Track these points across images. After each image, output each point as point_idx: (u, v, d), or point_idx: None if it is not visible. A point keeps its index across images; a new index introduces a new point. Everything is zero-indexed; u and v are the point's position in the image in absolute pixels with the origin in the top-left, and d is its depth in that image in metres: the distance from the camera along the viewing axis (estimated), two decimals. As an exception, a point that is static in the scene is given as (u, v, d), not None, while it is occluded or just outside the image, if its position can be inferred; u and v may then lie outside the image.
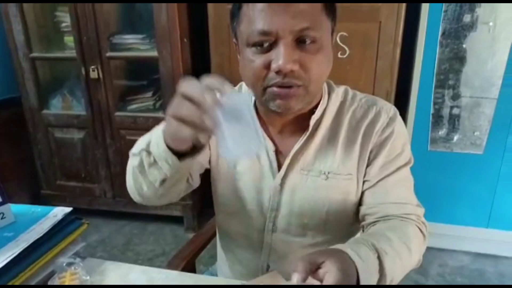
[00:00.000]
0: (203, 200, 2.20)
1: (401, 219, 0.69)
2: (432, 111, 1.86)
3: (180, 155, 0.61)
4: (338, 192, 0.74)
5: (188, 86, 0.52)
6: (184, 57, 1.98)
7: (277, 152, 0.77)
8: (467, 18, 1.68)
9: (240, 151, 0.52)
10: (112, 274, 0.70)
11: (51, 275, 0.66)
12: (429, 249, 2.00)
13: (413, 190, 0.76)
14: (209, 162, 0.83)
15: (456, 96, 1.82)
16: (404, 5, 1.65)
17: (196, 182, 0.81)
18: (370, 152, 0.74)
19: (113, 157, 2.20)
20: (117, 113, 2.13)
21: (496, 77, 1.74)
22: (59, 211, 0.75)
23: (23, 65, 2.14)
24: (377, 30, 1.71)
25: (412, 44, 1.82)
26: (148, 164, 0.65)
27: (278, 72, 0.62)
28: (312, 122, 0.73)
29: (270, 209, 0.78)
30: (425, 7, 1.71)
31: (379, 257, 0.58)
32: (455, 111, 1.84)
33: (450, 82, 1.80)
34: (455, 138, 1.88)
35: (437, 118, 1.87)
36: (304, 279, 0.49)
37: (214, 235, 1.09)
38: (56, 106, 2.26)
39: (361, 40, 1.73)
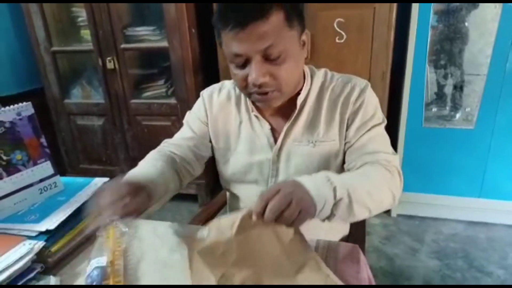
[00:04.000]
0: (214, 179, 2.38)
1: (371, 164, 0.83)
2: (425, 90, 1.98)
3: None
4: (325, 155, 0.91)
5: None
6: (193, 46, 2.13)
7: (272, 130, 0.94)
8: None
9: None
10: (144, 227, 0.88)
11: (97, 228, 0.84)
12: (424, 218, 2.18)
13: (389, 143, 0.90)
14: (212, 151, 1.02)
15: (447, 75, 1.94)
16: (396, -10, 1.76)
17: (198, 171, 1.01)
18: (348, 119, 0.89)
19: (131, 141, 2.39)
20: (133, 101, 2.30)
21: (485, 56, 1.85)
22: (98, 181, 0.93)
23: (45, 58, 2.32)
24: (371, 15, 1.83)
25: (406, 27, 1.93)
26: None
27: (253, 84, 0.79)
28: (299, 102, 0.90)
29: (270, 175, 0.95)
30: (416, -8, 1.81)
31: (328, 177, 0.70)
32: (447, 89, 1.96)
33: (442, 62, 1.92)
34: (448, 114, 2.00)
35: (430, 96, 1.99)
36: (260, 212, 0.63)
37: (223, 204, 1.27)
38: (77, 96, 2.44)
39: (357, 25, 1.85)
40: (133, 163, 2.78)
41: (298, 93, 0.90)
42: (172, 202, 2.49)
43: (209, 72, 2.27)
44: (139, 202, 0.71)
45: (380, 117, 0.90)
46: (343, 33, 1.88)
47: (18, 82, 2.44)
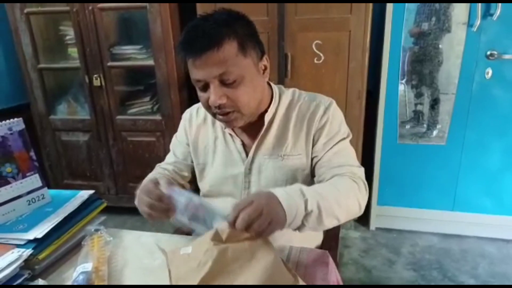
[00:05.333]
0: (197, 193, 2.42)
1: (339, 176, 0.90)
2: (399, 108, 2.09)
3: None
4: (293, 168, 0.98)
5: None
6: (178, 64, 2.20)
7: (244, 145, 1.01)
8: (425, 26, 1.92)
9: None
10: (128, 237, 0.92)
11: (83, 238, 0.88)
12: (401, 231, 2.26)
13: (354, 156, 0.98)
14: (192, 169, 1.11)
15: (419, 94, 2.06)
16: (370, 15, 1.88)
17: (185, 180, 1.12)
18: (314, 136, 0.97)
19: (116, 157, 2.42)
20: (118, 117, 2.35)
21: (453, 76, 1.98)
22: (85, 193, 0.98)
23: (31, 75, 2.36)
24: (347, 38, 1.94)
25: (380, 48, 2.05)
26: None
27: (213, 106, 0.87)
28: (267, 119, 0.97)
29: (243, 187, 1.02)
30: (389, 17, 1.94)
31: (301, 189, 0.78)
32: (419, 107, 2.08)
33: (414, 82, 2.04)
34: (421, 131, 2.12)
35: (404, 114, 2.11)
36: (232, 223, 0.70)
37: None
38: (62, 112, 2.47)
39: (334, 47, 1.97)
40: (117, 178, 2.80)
41: (266, 111, 0.98)
42: (156, 217, 2.53)
43: (193, 88, 2.33)
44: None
45: (345, 131, 0.98)
46: (321, 54, 1.98)
47: (4, 98, 2.46)
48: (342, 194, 0.84)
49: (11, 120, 0.89)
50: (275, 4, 1.94)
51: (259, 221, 0.68)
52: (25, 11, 2.23)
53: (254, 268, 0.68)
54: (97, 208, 0.96)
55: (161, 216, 0.82)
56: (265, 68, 0.93)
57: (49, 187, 0.99)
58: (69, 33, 2.31)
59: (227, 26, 0.85)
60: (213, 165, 1.05)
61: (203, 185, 1.09)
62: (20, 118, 0.91)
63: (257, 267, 0.68)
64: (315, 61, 1.99)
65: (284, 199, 0.74)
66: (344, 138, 0.97)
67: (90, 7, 2.14)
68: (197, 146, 1.07)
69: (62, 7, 2.21)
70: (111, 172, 2.47)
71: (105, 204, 0.99)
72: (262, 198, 0.73)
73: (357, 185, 0.88)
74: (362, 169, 0.95)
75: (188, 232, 1.19)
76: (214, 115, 0.92)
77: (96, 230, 0.89)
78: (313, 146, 0.97)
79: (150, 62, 2.21)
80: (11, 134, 0.88)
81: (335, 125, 0.97)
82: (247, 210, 0.69)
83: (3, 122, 0.87)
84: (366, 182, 0.92)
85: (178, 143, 1.12)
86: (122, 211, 2.51)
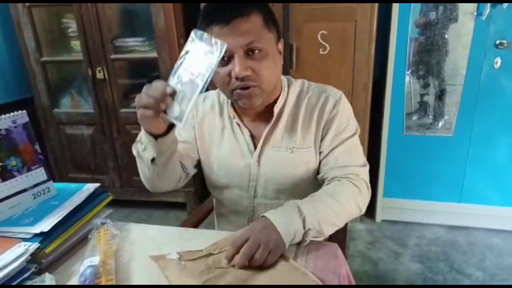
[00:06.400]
0: (203, 187, 2.42)
1: (338, 180, 0.90)
2: (405, 99, 2.07)
3: (159, 137, 0.84)
4: (301, 161, 0.96)
5: (147, 87, 0.76)
6: (182, 56, 2.18)
7: (252, 136, 0.99)
8: (431, 15, 1.89)
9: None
10: (134, 231, 0.91)
11: (89, 231, 0.87)
12: (407, 223, 2.25)
13: (361, 153, 0.97)
14: (198, 154, 1.06)
15: (426, 85, 2.03)
16: (376, 5, 1.85)
17: (191, 171, 1.06)
18: (323, 129, 0.95)
19: (120, 150, 2.42)
20: (122, 110, 2.34)
21: (461, 67, 1.95)
22: (91, 186, 0.96)
23: (35, 68, 2.35)
24: (353, 28, 1.91)
25: (387, 39, 2.02)
26: (141, 150, 0.90)
27: (237, 78, 0.84)
28: (276, 110, 0.96)
29: (251, 179, 1.00)
30: (395, 6, 1.91)
31: (298, 207, 0.78)
32: (426, 98, 2.05)
33: (421, 73, 2.02)
34: (427, 123, 2.09)
35: (410, 106, 2.08)
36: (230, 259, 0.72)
37: (211, 210, 1.31)
38: (66, 105, 2.47)
39: (339, 37, 1.94)
40: (122, 171, 2.80)
41: (275, 102, 0.96)
42: (161, 210, 2.54)
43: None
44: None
45: (353, 127, 0.96)
46: (327, 45, 1.96)
47: (8, 92, 2.46)
48: (341, 204, 0.85)
49: (15, 113, 0.87)
50: (280, -6, 1.91)
51: (258, 255, 0.71)
52: (27, 4, 2.21)
53: (268, 273, 0.70)
54: (103, 201, 0.95)
55: (155, 116, 0.76)
56: (280, 53, 0.92)
57: (54, 181, 0.98)
58: (72, 26, 2.29)
59: (253, 2, 0.86)
60: (219, 154, 1.02)
61: (209, 174, 1.06)
62: (24, 111, 0.90)
63: (272, 273, 0.70)
64: (321, 52, 1.97)
65: (281, 223, 0.75)
66: (352, 135, 0.95)
67: (92, -1, 2.12)
68: (202, 133, 1.04)
69: (64, -1, 2.19)
70: (116, 166, 2.47)
71: (111, 197, 0.98)
72: (257, 230, 0.74)
73: (358, 189, 0.88)
74: (367, 168, 0.94)
75: (195, 225, 1.18)
76: (231, 92, 0.88)
77: (103, 224, 0.88)
78: (321, 140, 0.95)
79: (154, 54, 2.19)
80: (15, 127, 0.87)
81: (344, 119, 0.95)
82: (245, 247, 0.71)
83: (7, 115, 0.86)
84: (368, 182, 0.92)
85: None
86: (128, 204, 2.52)
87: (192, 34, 0.74)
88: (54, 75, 2.46)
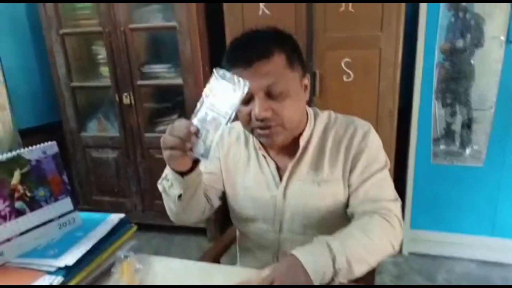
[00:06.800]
0: (223, 214, 2.40)
1: (369, 215, 0.86)
2: (432, 127, 2.01)
3: (185, 175, 0.84)
4: (329, 195, 0.93)
5: (170, 128, 0.76)
6: (206, 83, 2.21)
7: (278, 168, 0.98)
8: (458, 42, 1.85)
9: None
10: (157, 264, 0.90)
11: (112, 264, 0.87)
12: (436, 257, 2.15)
13: (391, 188, 0.93)
14: (223, 185, 1.05)
15: (454, 113, 1.98)
16: (401, 33, 1.83)
17: (215, 202, 1.05)
18: (351, 161, 0.92)
19: (143, 174, 2.44)
20: (147, 134, 2.37)
21: (491, 94, 1.89)
22: (115, 217, 0.96)
23: (64, 93, 2.43)
24: (377, 55, 1.90)
25: (412, 65, 1.99)
26: (168, 187, 0.90)
27: (257, 119, 0.84)
28: (302, 142, 0.94)
29: (277, 212, 0.97)
30: (421, 33, 1.89)
31: (328, 245, 0.74)
32: (453, 126, 1.99)
33: (448, 101, 1.96)
34: (455, 151, 2.02)
35: (438, 134, 2.02)
36: None
37: (233, 241, 1.29)
38: (93, 129, 2.53)
39: (363, 65, 1.92)
40: (144, 195, 2.82)
41: (301, 134, 0.94)
42: (181, 236, 2.52)
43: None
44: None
45: (383, 160, 0.94)
46: (351, 73, 1.94)
47: (38, 115, 2.55)
48: (373, 241, 0.80)
49: (45, 144, 0.89)
50: (304, 22, 1.92)
51: None
52: (61, 32, 2.31)
53: None
54: (127, 232, 0.95)
55: (182, 156, 0.76)
56: (306, 87, 0.92)
57: (78, 204, 0.98)
58: (101, 53, 2.38)
59: (276, 38, 0.86)
60: (244, 185, 1.01)
61: (233, 206, 1.05)
62: (54, 142, 0.91)
63: None
64: (345, 80, 1.95)
65: (310, 262, 0.72)
66: (382, 168, 0.92)
67: (121, 28, 2.19)
68: (228, 164, 1.04)
69: (95, 28, 2.28)
70: (138, 189, 2.49)
71: (135, 228, 0.97)
72: (284, 271, 0.71)
73: (390, 225, 0.84)
74: (399, 203, 0.91)
75: (216, 259, 1.16)
76: (252, 130, 0.89)
77: (126, 257, 0.87)
78: (350, 173, 0.93)
79: (179, 81, 2.24)
80: (45, 157, 0.89)
81: (373, 151, 0.93)
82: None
83: (38, 146, 0.87)
84: (401, 218, 0.88)
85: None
86: (149, 228, 2.52)
87: (215, 72, 0.75)
88: (83, 100, 2.54)
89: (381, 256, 0.82)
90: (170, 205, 0.93)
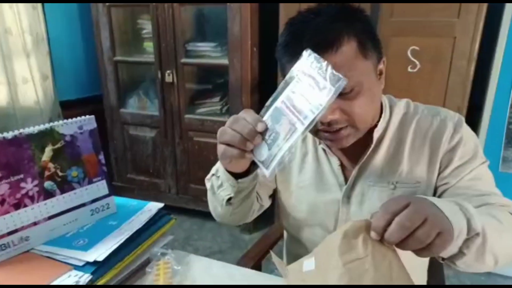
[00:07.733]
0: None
1: (487, 206, 0.68)
2: (505, 130, 1.77)
3: (239, 177, 0.70)
4: None
5: (233, 119, 0.62)
6: (253, 65, 2.07)
7: (342, 166, 0.82)
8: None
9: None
10: (196, 266, 0.78)
11: (147, 261, 0.76)
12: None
13: (495, 185, 0.75)
14: (276, 181, 0.91)
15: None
16: (481, 21, 1.60)
17: (266, 202, 0.91)
18: (442, 160, 0.75)
19: (180, 156, 2.35)
20: (187, 115, 2.27)
21: None
22: (153, 206, 0.85)
23: (107, 67, 2.37)
24: (451, 45, 1.67)
25: (488, 61, 1.75)
26: (217, 187, 0.77)
27: (322, 122, 0.68)
28: (376, 135, 0.77)
29: (339, 219, 0.82)
30: (505, 24, 1.64)
31: (460, 205, 0.57)
32: (532, 132, 1.74)
33: (528, 102, 1.71)
34: (531, 160, 1.78)
35: (511, 139, 1.78)
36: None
37: (278, 238, 1.15)
38: (132, 106, 2.46)
39: (433, 54, 1.71)
40: (179, 177, 2.73)
41: (375, 126, 0.77)
42: (214, 222, 2.42)
43: (266, 93, 2.20)
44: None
45: (482, 155, 0.76)
46: (417, 62, 1.73)
47: (79, 88, 2.51)
48: (505, 227, 0.62)
49: (82, 117, 0.78)
50: (369, 4, 1.72)
51: (423, 229, 0.48)
52: (107, 3, 2.23)
53: None
54: (164, 225, 0.83)
55: (239, 156, 0.62)
56: (381, 73, 0.74)
57: (112, 180, 0.87)
58: (146, 27, 2.28)
59: (344, 20, 0.67)
60: (299, 185, 0.86)
61: (285, 207, 0.91)
62: (92, 116, 0.80)
63: None
64: (409, 70, 1.74)
65: (446, 209, 0.53)
66: (483, 162, 0.75)
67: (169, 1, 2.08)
68: None
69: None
70: (174, 171, 2.41)
71: (173, 221, 0.86)
72: (421, 201, 0.53)
73: None
74: (510, 201, 0.72)
75: (257, 262, 1.03)
76: (316, 132, 0.73)
77: (163, 254, 0.76)
78: (439, 173, 0.76)
79: (224, 61, 2.10)
80: (81, 133, 0.78)
81: (470, 146, 0.75)
82: (404, 214, 0.49)
83: (74, 119, 0.76)
84: None
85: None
86: (181, 211, 2.45)
87: (305, 54, 0.58)
88: (124, 75, 2.47)
89: (509, 254, 0.63)
90: (215, 205, 0.81)
